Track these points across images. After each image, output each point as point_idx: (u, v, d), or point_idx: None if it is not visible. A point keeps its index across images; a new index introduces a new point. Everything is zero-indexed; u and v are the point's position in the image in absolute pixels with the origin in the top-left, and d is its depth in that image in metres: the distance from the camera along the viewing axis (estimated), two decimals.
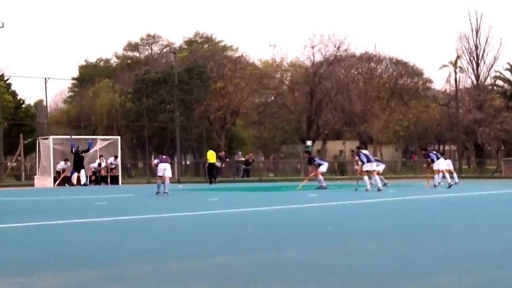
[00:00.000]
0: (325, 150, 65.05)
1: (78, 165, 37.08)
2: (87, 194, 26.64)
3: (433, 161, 28.86)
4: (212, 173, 39.99)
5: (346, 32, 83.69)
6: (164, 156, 26.82)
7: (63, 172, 37.98)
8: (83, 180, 36.91)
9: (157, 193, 24.74)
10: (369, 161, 27.01)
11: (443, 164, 29.17)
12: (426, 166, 30.99)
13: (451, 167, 33.15)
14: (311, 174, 30.41)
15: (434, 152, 31.31)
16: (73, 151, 37.03)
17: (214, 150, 41.99)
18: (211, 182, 39.07)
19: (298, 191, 26.77)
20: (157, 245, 9.27)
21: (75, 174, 37.01)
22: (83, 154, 37.48)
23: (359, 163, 27.40)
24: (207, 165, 40.95)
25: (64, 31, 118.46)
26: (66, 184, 36.75)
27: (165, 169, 25.49)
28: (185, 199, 22.84)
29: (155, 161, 27.33)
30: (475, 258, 7.75)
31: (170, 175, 26.00)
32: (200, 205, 18.70)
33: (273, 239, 9.73)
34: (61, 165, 38.23)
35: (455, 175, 31.93)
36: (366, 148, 70.92)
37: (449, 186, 27.91)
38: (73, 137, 40.38)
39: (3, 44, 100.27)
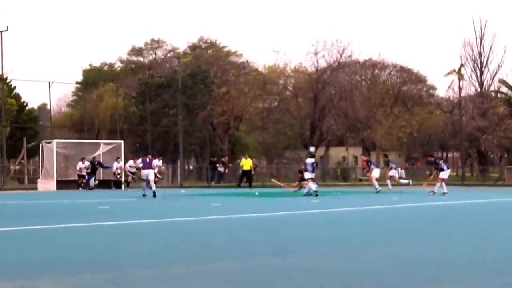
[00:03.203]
0: (328, 156, 65.06)
1: (93, 172, 37.95)
2: (90, 198, 26.64)
3: (442, 170, 29.01)
4: (242, 179, 42.51)
5: (349, 38, 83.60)
6: (147, 160, 28.75)
7: (82, 172, 37.82)
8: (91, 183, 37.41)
9: (143, 195, 26.78)
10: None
11: (447, 174, 29.51)
12: (435, 173, 30.94)
13: None
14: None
15: (443, 160, 31.46)
16: (90, 162, 37.65)
17: (250, 158, 44.47)
18: (239, 186, 41.63)
19: (302, 197, 26.74)
20: (160, 249, 9.26)
21: (93, 179, 37.44)
22: (98, 166, 38.41)
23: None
24: (241, 171, 43.19)
25: (69, 35, 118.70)
26: (80, 188, 36.76)
27: (147, 174, 27.97)
28: (188, 203, 22.84)
29: (139, 163, 29.79)
30: (478, 266, 7.73)
31: (153, 178, 28.04)
32: (203, 210, 18.70)
33: (276, 244, 9.72)
34: (80, 165, 37.89)
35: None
36: (369, 155, 71.11)
37: (443, 194, 28.08)
38: (76, 140, 40.55)
39: (8, 48, 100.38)
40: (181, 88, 50.10)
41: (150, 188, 27.25)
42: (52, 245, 9.88)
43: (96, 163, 38.25)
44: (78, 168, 37.98)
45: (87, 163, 37.91)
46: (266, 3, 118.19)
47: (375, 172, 32.38)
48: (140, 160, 31.15)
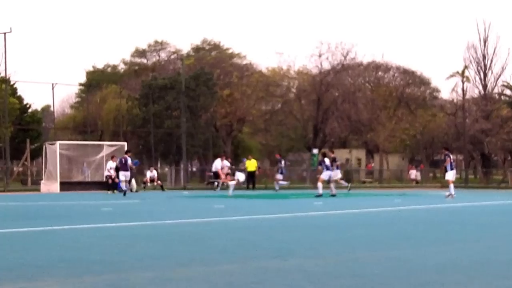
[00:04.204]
0: (331, 160, 64.95)
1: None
2: (93, 199, 26.66)
3: (446, 170, 28.80)
4: (249, 180, 41.88)
5: (353, 40, 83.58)
6: (124, 160, 29.92)
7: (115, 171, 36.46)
8: (134, 187, 36.50)
9: (124, 193, 29.99)
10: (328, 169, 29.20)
11: (452, 175, 29.04)
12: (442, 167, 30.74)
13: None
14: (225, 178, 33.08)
15: (452, 161, 30.74)
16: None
17: (255, 159, 44.62)
18: (248, 188, 41.28)
19: (304, 199, 26.72)
20: (162, 251, 9.25)
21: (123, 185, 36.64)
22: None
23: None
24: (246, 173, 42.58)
25: (72, 37, 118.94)
26: (115, 191, 34.72)
27: (125, 175, 31.06)
28: (191, 205, 22.83)
29: (117, 163, 32.21)
30: (481, 268, 7.71)
31: (127, 179, 31.26)
32: (205, 211, 18.69)
33: (278, 247, 9.71)
34: (110, 164, 35.90)
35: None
36: (372, 157, 70.92)
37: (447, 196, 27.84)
38: (79, 142, 40.44)
39: (11, 49, 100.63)
40: (184, 90, 50.11)
41: (126, 187, 30.87)
42: (54, 247, 9.87)
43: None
44: (108, 167, 36.16)
45: (111, 162, 36.34)
46: (270, 5, 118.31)
47: (325, 175, 30.96)
48: (118, 160, 32.09)
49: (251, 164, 42.46)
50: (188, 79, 52.45)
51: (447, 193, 28.03)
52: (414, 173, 59.54)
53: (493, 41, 62.07)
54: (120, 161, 32.11)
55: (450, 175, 28.75)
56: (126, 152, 33.68)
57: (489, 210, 20.64)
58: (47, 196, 31.60)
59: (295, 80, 65.08)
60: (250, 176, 42.21)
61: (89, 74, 76.88)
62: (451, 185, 28.29)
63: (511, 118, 60.89)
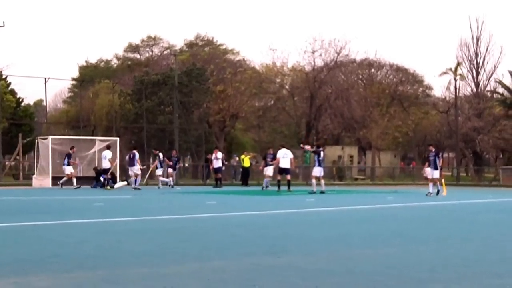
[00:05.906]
0: (324, 155, 65.05)
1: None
2: (85, 195, 26.60)
3: (436, 169, 28.71)
4: (245, 176, 42.35)
5: (347, 37, 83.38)
6: (131, 156, 32.42)
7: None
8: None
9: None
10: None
11: (437, 174, 29.01)
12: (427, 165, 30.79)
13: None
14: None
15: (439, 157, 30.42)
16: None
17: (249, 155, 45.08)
18: (244, 184, 41.65)
19: (297, 196, 26.73)
20: (155, 247, 9.24)
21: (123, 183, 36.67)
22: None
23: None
24: (241, 169, 43.49)
25: (65, 31, 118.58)
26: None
27: (133, 170, 32.27)
28: (184, 201, 22.81)
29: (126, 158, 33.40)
30: (473, 266, 7.73)
31: (137, 172, 32.51)
32: (198, 208, 18.67)
33: (271, 243, 9.71)
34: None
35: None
36: (364, 154, 70.96)
37: (431, 194, 27.87)
38: (72, 137, 40.35)
39: (4, 44, 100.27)
40: (177, 86, 50.02)
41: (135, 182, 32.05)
42: (47, 242, 9.84)
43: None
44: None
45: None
46: (264, 1, 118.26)
47: (316, 171, 30.48)
48: (127, 156, 32.97)
49: (247, 160, 42.76)
50: (181, 74, 52.35)
51: (436, 190, 28.16)
52: (428, 171, 59.30)
53: (485, 39, 62.37)
54: (129, 156, 32.82)
55: (436, 174, 28.78)
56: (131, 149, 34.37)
57: (481, 208, 20.70)
58: (39, 190, 31.52)
59: (288, 76, 65.09)
60: (245, 172, 42.43)
61: (82, 69, 76.73)
62: (437, 184, 28.44)
63: (503, 116, 61.10)
